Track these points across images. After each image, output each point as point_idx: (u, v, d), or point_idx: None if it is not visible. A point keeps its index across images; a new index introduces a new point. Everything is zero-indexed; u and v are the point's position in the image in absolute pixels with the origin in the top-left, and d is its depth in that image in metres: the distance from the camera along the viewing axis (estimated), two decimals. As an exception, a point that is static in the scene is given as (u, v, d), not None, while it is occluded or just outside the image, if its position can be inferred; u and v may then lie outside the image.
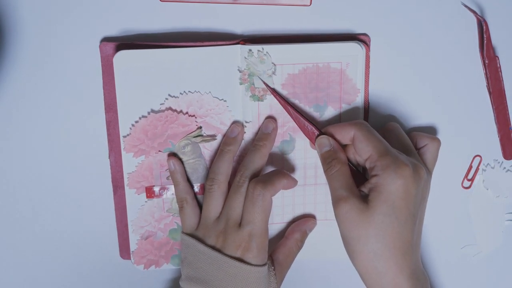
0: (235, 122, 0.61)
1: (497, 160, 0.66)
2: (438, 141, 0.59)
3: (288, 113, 0.60)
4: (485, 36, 0.62)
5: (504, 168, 0.66)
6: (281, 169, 0.61)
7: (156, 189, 0.61)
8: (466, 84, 0.64)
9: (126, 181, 0.61)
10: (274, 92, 0.60)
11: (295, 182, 0.59)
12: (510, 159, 0.65)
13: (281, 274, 0.60)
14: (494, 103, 0.64)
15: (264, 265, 0.57)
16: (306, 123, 0.59)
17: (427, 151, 0.58)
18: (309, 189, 0.63)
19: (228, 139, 0.60)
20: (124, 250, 0.64)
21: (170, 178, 0.61)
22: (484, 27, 0.61)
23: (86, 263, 0.65)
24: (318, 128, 0.59)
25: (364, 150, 0.54)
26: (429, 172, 0.58)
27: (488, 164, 0.66)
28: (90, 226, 0.64)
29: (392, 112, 0.64)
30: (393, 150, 0.54)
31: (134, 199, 0.61)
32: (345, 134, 0.56)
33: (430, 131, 0.65)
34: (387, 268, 0.52)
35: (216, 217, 0.58)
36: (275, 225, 0.64)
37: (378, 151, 0.53)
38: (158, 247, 0.63)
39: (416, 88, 0.64)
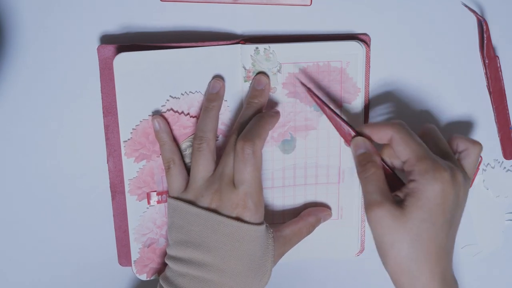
0: (215, 77, 0.59)
1: (497, 160, 0.66)
2: (480, 146, 0.57)
3: (323, 112, 0.58)
4: (485, 36, 0.62)
5: (504, 168, 0.66)
6: (261, 113, 0.59)
7: (158, 195, 0.60)
8: (466, 84, 0.64)
9: (127, 188, 0.59)
10: (310, 91, 0.58)
11: (278, 116, 0.59)
12: (510, 159, 0.66)
13: (283, 247, 0.59)
14: (494, 103, 0.64)
15: (261, 223, 0.56)
16: (342, 123, 0.57)
17: (467, 156, 0.57)
18: (310, 188, 0.63)
19: (210, 95, 0.58)
20: (123, 257, 0.63)
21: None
22: (484, 27, 0.62)
23: (84, 270, 0.64)
24: (354, 129, 0.57)
25: (402, 153, 0.53)
26: (468, 178, 0.56)
27: (488, 164, 0.66)
28: (88, 233, 0.63)
29: (392, 111, 0.64)
30: (431, 155, 0.53)
31: (135, 206, 0.60)
32: (383, 136, 0.55)
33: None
34: (420, 272, 0.51)
35: (207, 176, 0.57)
36: (276, 225, 0.63)
37: (416, 155, 0.52)
38: (160, 255, 0.62)
39: (416, 88, 0.64)
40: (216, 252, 0.54)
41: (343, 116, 0.60)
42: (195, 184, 0.57)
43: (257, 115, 0.58)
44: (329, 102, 0.61)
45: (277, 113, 0.59)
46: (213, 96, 0.58)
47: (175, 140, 0.59)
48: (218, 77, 0.59)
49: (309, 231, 0.61)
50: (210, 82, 0.59)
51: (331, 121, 0.58)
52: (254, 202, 0.55)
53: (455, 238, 0.55)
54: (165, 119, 0.58)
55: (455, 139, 0.57)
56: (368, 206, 0.52)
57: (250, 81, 0.59)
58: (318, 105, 0.58)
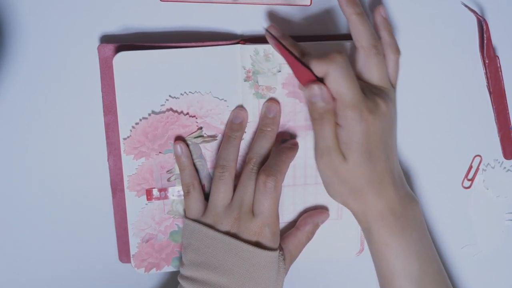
0: (238, 107, 0.60)
1: (497, 160, 0.66)
2: (398, 53, 0.57)
3: (281, 54, 0.56)
4: (485, 35, 0.62)
5: (504, 168, 0.66)
6: (281, 147, 0.60)
7: (157, 191, 0.61)
8: (466, 84, 0.64)
9: (126, 184, 0.60)
10: (268, 33, 0.56)
11: (297, 148, 0.60)
12: (510, 159, 0.65)
13: (289, 262, 0.61)
14: (494, 103, 0.64)
15: (276, 249, 0.58)
16: (300, 65, 0.54)
17: (387, 65, 0.57)
18: (309, 188, 0.63)
19: (233, 125, 0.60)
20: (124, 254, 0.63)
21: (171, 180, 0.61)
22: (484, 27, 0.62)
23: (85, 267, 0.64)
24: (312, 73, 0.54)
25: (332, 91, 0.53)
26: (392, 89, 0.57)
27: (488, 164, 0.66)
28: (88, 230, 0.63)
29: (392, 112, 0.64)
30: (357, 97, 0.52)
31: (134, 201, 0.61)
32: (320, 70, 0.53)
33: (430, 130, 0.65)
34: (365, 197, 0.55)
35: (226, 203, 0.58)
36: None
37: (341, 101, 0.52)
38: (159, 250, 0.62)
39: (416, 88, 0.64)
40: (232, 275, 0.57)
41: (302, 60, 0.56)
42: (215, 211, 0.59)
43: (277, 148, 0.59)
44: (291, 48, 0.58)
45: (296, 145, 0.60)
46: (236, 126, 0.60)
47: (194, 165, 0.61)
48: (241, 107, 0.60)
49: (308, 239, 0.62)
50: (233, 111, 0.60)
51: (288, 64, 0.56)
52: (271, 231, 0.58)
53: (396, 146, 0.58)
54: (187, 145, 0.60)
55: (382, 44, 0.57)
56: (320, 152, 0.55)
57: (250, 82, 0.60)
58: (277, 49, 0.57)
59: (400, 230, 0.56)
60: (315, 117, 0.54)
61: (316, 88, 0.53)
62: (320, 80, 0.53)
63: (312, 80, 0.53)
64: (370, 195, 0.55)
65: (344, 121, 0.53)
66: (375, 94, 0.54)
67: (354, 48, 0.57)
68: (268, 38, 0.57)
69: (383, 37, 0.57)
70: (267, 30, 0.57)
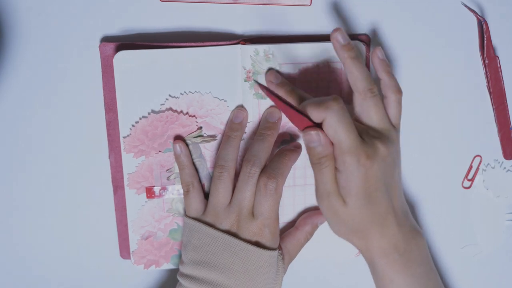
0: (238, 107, 0.61)
1: (497, 160, 0.66)
2: (399, 94, 0.57)
3: (275, 103, 0.56)
4: (485, 36, 0.62)
5: (504, 168, 0.66)
6: (284, 149, 0.60)
7: (156, 189, 0.61)
8: (466, 84, 0.64)
9: (126, 182, 0.61)
10: (259, 84, 0.57)
11: (299, 151, 0.60)
12: (510, 159, 0.65)
13: (288, 262, 0.61)
14: (494, 103, 0.64)
15: (275, 249, 0.58)
16: (294, 113, 0.55)
17: (388, 105, 0.57)
18: (309, 188, 0.63)
19: (233, 125, 0.60)
20: (124, 250, 0.64)
21: (170, 178, 0.61)
22: (484, 27, 0.62)
23: (86, 263, 0.65)
24: (308, 119, 0.54)
25: (330, 137, 0.53)
26: (393, 129, 0.56)
27: (488, 164, 0.66)
28: (90, 226, 0.64)
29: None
30: (353, 143, 0.52)
31: (134, 199, 0.61)
32: (317, 116, 0.53)
33: (431, 130, 0.65)
34: (370, 236, 0.55)
35: (226, 204, 0.59)
36: None
37: (339, 147, 0.53)
38: (158, 247, 0.63)
39: (416, 88, 0.64)
40: (231, 274, 0.57)
41: (297, 107, 0.56)
42: (214, 210, 0.59)
43: (280, 150, 0.60)
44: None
45: (299, 147, 0.60)
46: (236, 126, 0.60)
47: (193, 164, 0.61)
48: (241, 107, 0.60)
49: (307, 239, 0.63)
50: (233, 111, 0.60)
51: (284, 112, 0.56)
52: (271, 232, 0.58)
53: (400, 183, 0.57)
54: (186, 144, 0.60)
55: (382, 87, 0.57)
56: (320, 195, 0.55)
57: (250, 82, 0.60)
58: (269, 97, 0.56)
59: (404, 266, 0.56)
60: (314, 161, 0.54)
61: (313, 134, 0.53)
62: (318, 125, 0.54)
63: (309, 126, 0.54)
64: (372, 235, 0.55)
65: (343, 166, 0.53)
66: (374, 138, 0.54)
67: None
68: (261, 89, 0.57)
69: (383, 78, 0.56)
70: (258, 81, 0.59)
